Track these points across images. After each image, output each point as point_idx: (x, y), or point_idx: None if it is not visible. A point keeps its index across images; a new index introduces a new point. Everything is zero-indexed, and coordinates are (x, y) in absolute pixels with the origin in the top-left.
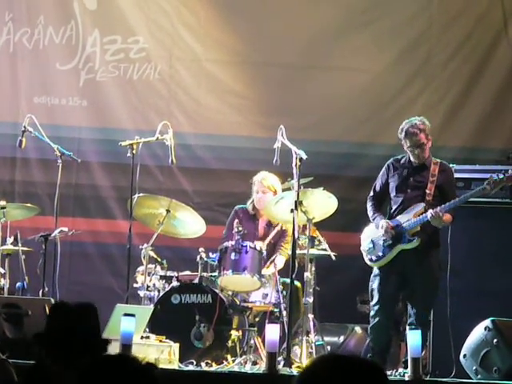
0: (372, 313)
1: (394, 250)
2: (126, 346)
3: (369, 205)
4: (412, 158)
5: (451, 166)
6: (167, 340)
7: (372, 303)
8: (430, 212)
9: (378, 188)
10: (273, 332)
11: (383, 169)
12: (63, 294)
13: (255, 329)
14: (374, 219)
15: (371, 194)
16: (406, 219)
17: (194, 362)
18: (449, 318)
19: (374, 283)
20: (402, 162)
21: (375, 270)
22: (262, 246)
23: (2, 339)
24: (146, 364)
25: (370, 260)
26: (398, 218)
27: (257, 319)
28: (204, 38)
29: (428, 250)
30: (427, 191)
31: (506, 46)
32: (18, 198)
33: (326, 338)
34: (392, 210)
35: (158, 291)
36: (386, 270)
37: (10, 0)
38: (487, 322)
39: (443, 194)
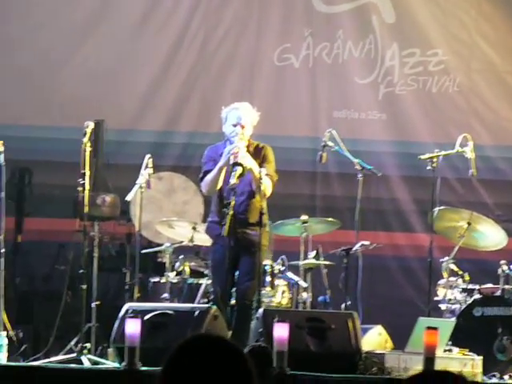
0: None
1: None
2: (430, 359)
3: None
4: None
5: None
6: (470, 353)
7: None
8: None
9: None
10: None
11: None
12: (365, 308)
13: None
14: None
15: None
16: None
17: (498, 375)
18: None
19: None
20: None
21: None
22: None
23: (305, 352)
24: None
25: None
26: None
27: None
28: (502, 48)
29: None
30: None
31: None
32: (319, 212)
33: None
34: None
35: (460, 304)
36: None
37: (309, 16)
38: None
39: None
